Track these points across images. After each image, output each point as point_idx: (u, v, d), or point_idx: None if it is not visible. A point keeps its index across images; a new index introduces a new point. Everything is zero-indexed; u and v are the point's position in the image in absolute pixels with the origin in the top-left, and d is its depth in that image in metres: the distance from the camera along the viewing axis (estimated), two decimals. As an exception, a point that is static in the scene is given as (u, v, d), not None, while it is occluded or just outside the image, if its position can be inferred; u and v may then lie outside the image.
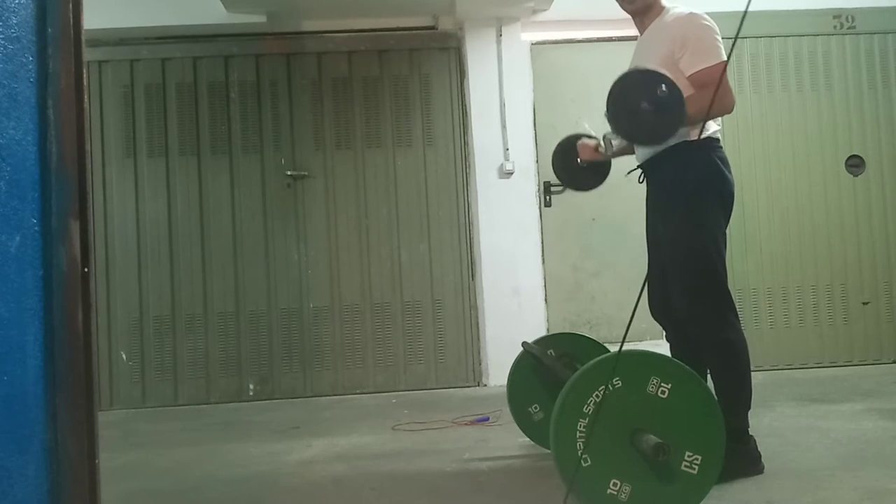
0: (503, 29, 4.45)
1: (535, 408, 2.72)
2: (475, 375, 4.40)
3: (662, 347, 2.42)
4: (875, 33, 4.50)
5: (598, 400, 1.73)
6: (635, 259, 3.91)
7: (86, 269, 1.10)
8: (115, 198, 4.35)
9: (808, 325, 4.40)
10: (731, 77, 3.94)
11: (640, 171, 2.52)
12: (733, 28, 1.73)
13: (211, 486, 2.51)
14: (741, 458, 2.22)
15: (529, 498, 2.23)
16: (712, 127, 2.36)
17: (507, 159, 4.41)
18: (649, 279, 2.42)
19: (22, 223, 1.04)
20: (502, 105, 4.43)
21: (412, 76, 4.51)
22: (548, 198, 4.49)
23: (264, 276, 4.37)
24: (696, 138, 2.23)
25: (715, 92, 1.93)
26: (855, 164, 4.47)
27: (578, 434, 1.75)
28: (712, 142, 2.35)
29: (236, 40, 4.42)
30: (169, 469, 2.79)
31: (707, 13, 2.34)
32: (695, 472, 1.76)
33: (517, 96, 4.45)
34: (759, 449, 2.31)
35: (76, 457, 1.08)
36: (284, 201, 4.41)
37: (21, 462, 1.03)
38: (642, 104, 2.00)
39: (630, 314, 1.65)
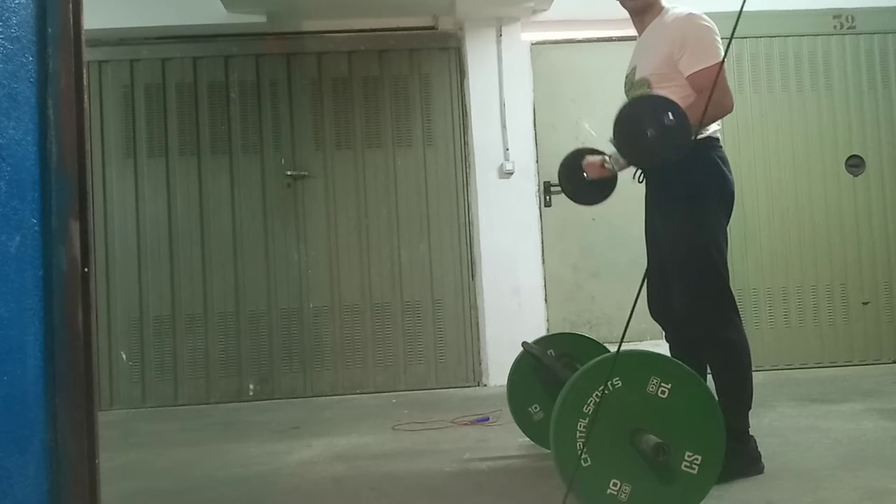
0: (503, 29, 4.44)
1: (535, 408, 2.72)
2: (475, 375, 4.40)
3: (662, 347, 2.41)
4: (875, 33, 4.50)
5: (598, 400, 1.73)
6: (635, 259, 3.90)
7: (86, 269, 1.10)
8: (115, 198, 4.35)
9: (808, 325, 4.40)
10: (731, 77, 3.95)
11: (639, 170, 2.52)
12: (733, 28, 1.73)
13: (211, 486, 2.52)
14: (741, 458, 2.22)
15: (529, 498, 2.23)
16: (712, 126, 2.36)
17: (507, 159, 4.41)
18: (648, 279, 2.42)
19: (22, 223, 1.04)
20: (502, 105, 4.43)
21: (412, 76, 4.51)
22: (548, 198, 4.49)
23: (264, 276, 4.37)
24: (695, 138, 2.23)
25: (711, 92, 1.93)
26: (855, 164, 4.47)
27: (578, 434, 1.75)
28: (712, 141, 2.36)
29: (236, 40, 4.42)
30: (169, 469, 2.79)
31: (706, 13, 2.34)
32: (695, 472, 1.76)
33: (517, 96, 4.45)
34: (759, 449, 2.31)
35: (76, 457, 1.08)
36: (284, 201, 4.41)
37: (21, 462, 1.02)
38: (649, 131, 2.01)
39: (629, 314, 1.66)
